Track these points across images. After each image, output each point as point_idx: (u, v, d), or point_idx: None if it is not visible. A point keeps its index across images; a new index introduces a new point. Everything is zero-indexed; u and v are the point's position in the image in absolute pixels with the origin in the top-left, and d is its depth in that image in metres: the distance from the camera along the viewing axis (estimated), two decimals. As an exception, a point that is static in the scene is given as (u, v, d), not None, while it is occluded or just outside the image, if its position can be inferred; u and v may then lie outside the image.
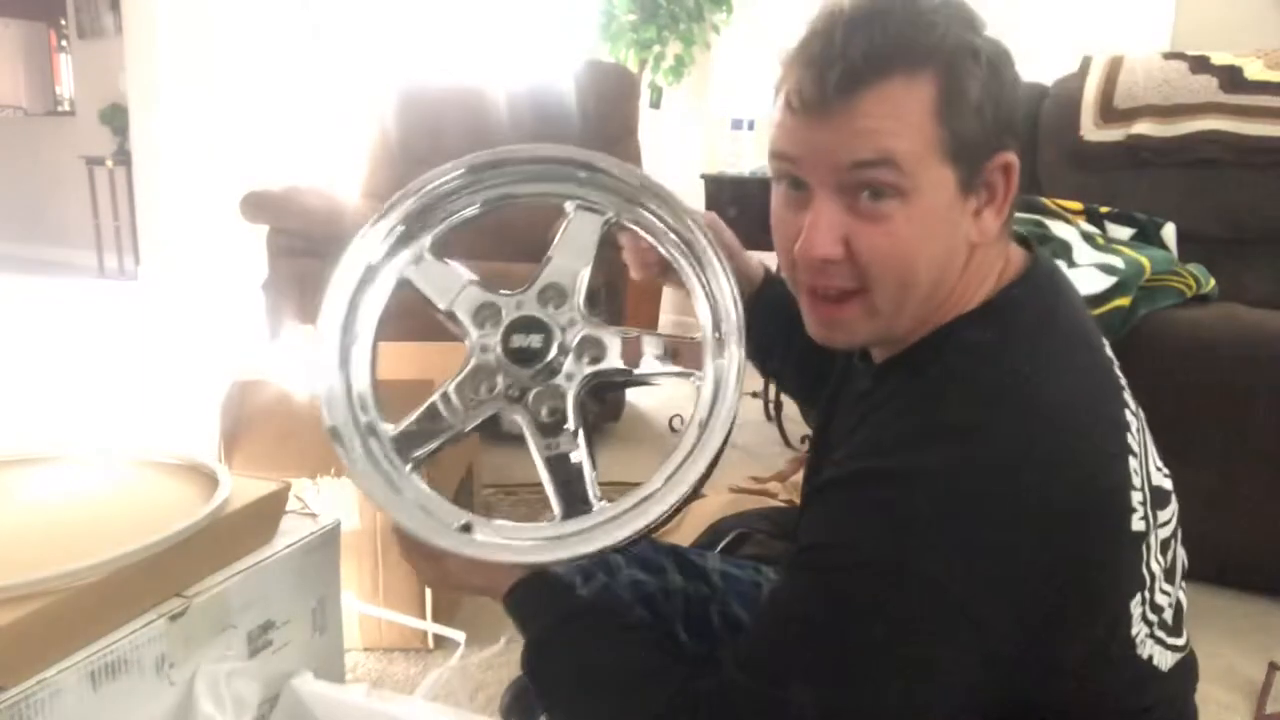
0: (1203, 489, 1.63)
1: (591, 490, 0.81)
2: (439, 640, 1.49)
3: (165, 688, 0.90)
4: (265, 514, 1.05)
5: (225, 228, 3.70)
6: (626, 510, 0.77)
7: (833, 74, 0.64)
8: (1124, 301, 1.71)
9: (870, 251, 0.67)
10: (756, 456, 2.50)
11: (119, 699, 0.85)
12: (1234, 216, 2.14)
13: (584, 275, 0.86)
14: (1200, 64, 2.22)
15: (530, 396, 0.83)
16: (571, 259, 0.87)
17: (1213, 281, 1.89)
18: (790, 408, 2.55)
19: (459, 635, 1.34)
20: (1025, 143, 2.43)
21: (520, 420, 0.83)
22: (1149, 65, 2.28)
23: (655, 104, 3.78)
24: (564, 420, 0.82)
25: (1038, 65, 2.62)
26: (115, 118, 5.44)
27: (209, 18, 4.54)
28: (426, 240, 0.93)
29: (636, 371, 0.84)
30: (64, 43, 6.31)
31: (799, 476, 1.15)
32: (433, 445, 0.85)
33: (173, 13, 4.53)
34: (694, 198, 2.72)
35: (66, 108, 6.44)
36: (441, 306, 0.89)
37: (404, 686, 1.41)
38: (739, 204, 2.53)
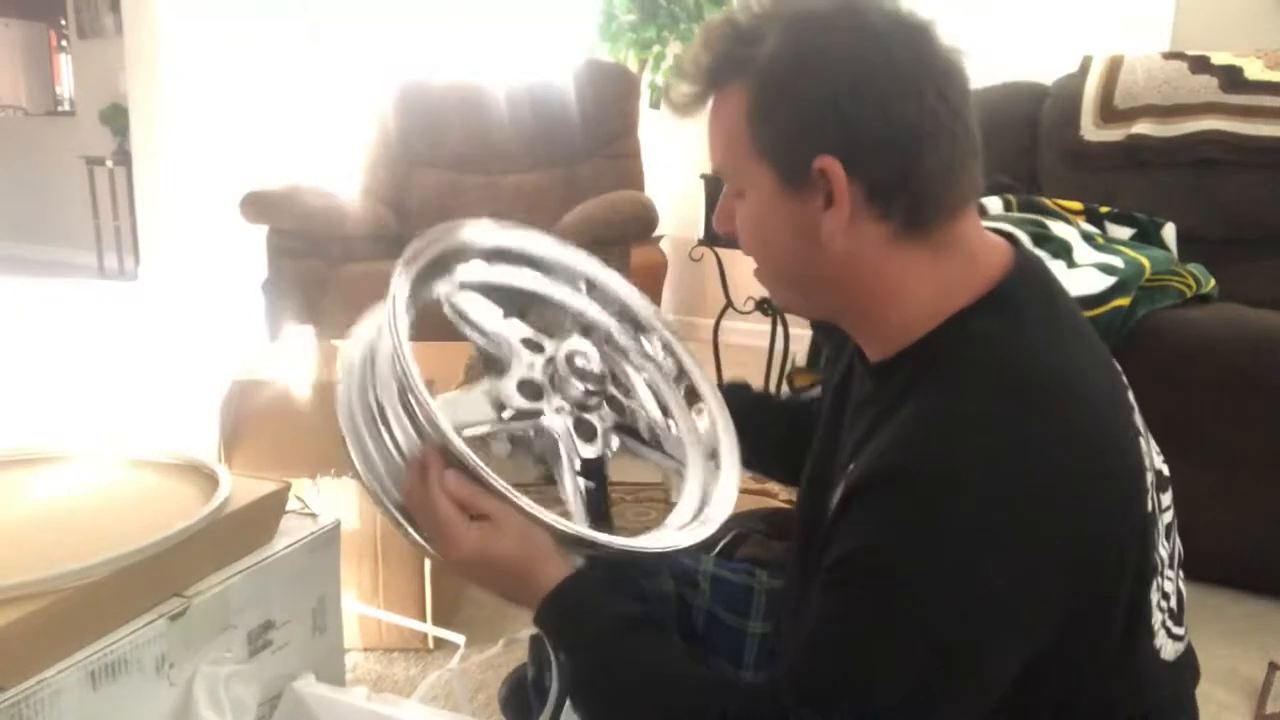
0: (1203, 489, 1.63)
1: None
2: (439, 641, 1.49)
3: (165, 688, 0.90)
4: (265, 514, 1.05)
5: (225, 228, 3.70)
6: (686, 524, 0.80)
7: (700, 81, 0.73)
8: (1124, 301, 1.71)
9: (737, 232, 0.76)
10: (756, 456, 2.49)
11: (119, 699, 0.85)
12: (1234, 216, 2.14)
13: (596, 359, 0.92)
14: (1200, 64, 2.22)
15: (573, 422, 0.83)
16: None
17: (1213, 281, 1.89)
18: (790, 408, 2.55)
19: (459, 637, 1.34)
20: (1025, 143, 2.45)
21: (561, 438, 0.82)
22: (1149, 65, 2.28)
23: (655, 104, 3.78)
24: (598, 456, 0.83)
25: (1038, 65, 2.63)
26: (115, 118, 5.44)
27: (209, 18, 4.54)
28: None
29: (646, 434, 0.90)
30: (64, 43, 6.31)
31: (789, 395, 1.14)
32: (472, 426, 0.79)
33: (173, 13, 4.53)
34: (694, 197, 2.73)
35: (66, 108, 6.45)
36: (487, 326, 0.87)
37: (404, 687, 1.41)
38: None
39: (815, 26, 0.68)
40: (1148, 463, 0.71)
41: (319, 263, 2.51)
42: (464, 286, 0.88)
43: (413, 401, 0.73)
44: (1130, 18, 2.94)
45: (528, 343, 0.86)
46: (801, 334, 2.60)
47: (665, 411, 0.95)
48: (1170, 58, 2.28)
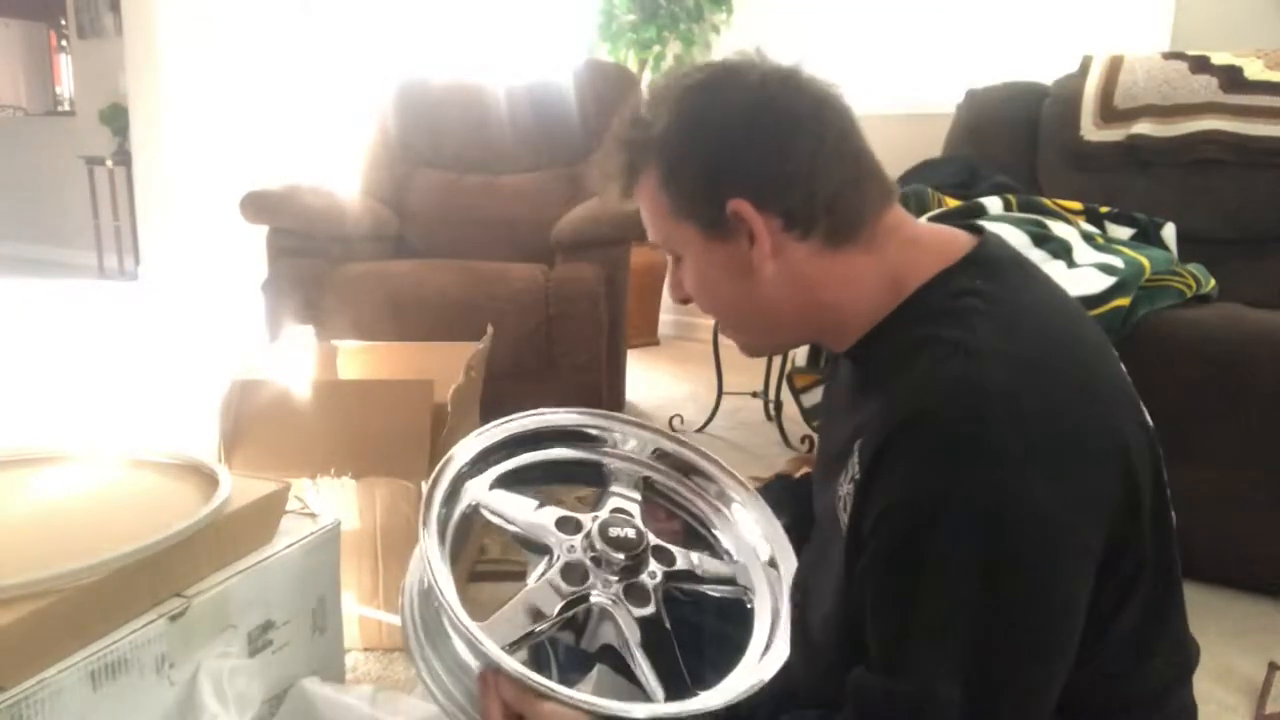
0: (1202, 489, 1.63)
1: (684, 674, 0.83)
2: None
3: (165, 688, 0.90)
4: (265, 514, 1.06)
5: (225, 228, 3.70)
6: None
7: (621, 180, 0.82)
8: (1124, 301, 1.71)
9: (692, 297, 0.83)
10: (756, 457, 2.50)
11: (119, 699, 0.86)
12: (1234, 216, 2.14)
13: (637, 514, 0.96)
14: (1200, 64, 2.22)
15: (622, 590, 0.87)
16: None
17: (1213, 281, 1.89)
18: (790, 408, 2.55)
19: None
20: (1025, 143, 2.45)
21: (615, 610, 0.85)
22: (1149, 65, 2.28)
23: (655, 104, 3.78)
24: (656, 618, 0.86)
25: (1038, 65, 2.63)
26: (115, 118, 5.44)
27: (209, 18, 4.54)
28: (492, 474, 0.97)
29: (701, 573, 0.93)
30: (64, 43, 6.32)
31: (798, 476, 1.15)
32: (528, 630, 0.84)
33: (173, 13, 4.53)
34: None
35: (66, 108, 6.45)
36: (522, 518, 0.92)
37: (404, 687, 1.41)
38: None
39: (697, 94, 0.77)
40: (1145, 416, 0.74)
41: (319, 262, 2.51)
42: (494, 485, 0.95)
43: (463, 634, 0.79)
44: (1130, 18, 2.94)
45: (563, 523, 0.91)
46: (801, 334, 2.59)
47: (714, 539, 0.99)
48: (1170, 58, 2.28)
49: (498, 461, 0.97)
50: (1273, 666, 1.48)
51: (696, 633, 0.94)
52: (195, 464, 1.08)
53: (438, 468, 0.91)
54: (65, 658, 0.81)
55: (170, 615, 0.90)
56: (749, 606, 0.91)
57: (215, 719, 0.91)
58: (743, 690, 0.79)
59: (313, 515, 1.14)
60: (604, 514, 0.92)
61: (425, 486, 0.88)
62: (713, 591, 0.94)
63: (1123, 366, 0.76)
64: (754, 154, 0.74)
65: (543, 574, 0.87)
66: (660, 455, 1.04)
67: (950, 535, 0.63)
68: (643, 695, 0.81)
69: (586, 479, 1.01)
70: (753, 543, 0.98)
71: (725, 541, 0.98)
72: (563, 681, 0.79)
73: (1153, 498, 0.69)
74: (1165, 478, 0.73)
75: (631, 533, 0.90)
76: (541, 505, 0.93)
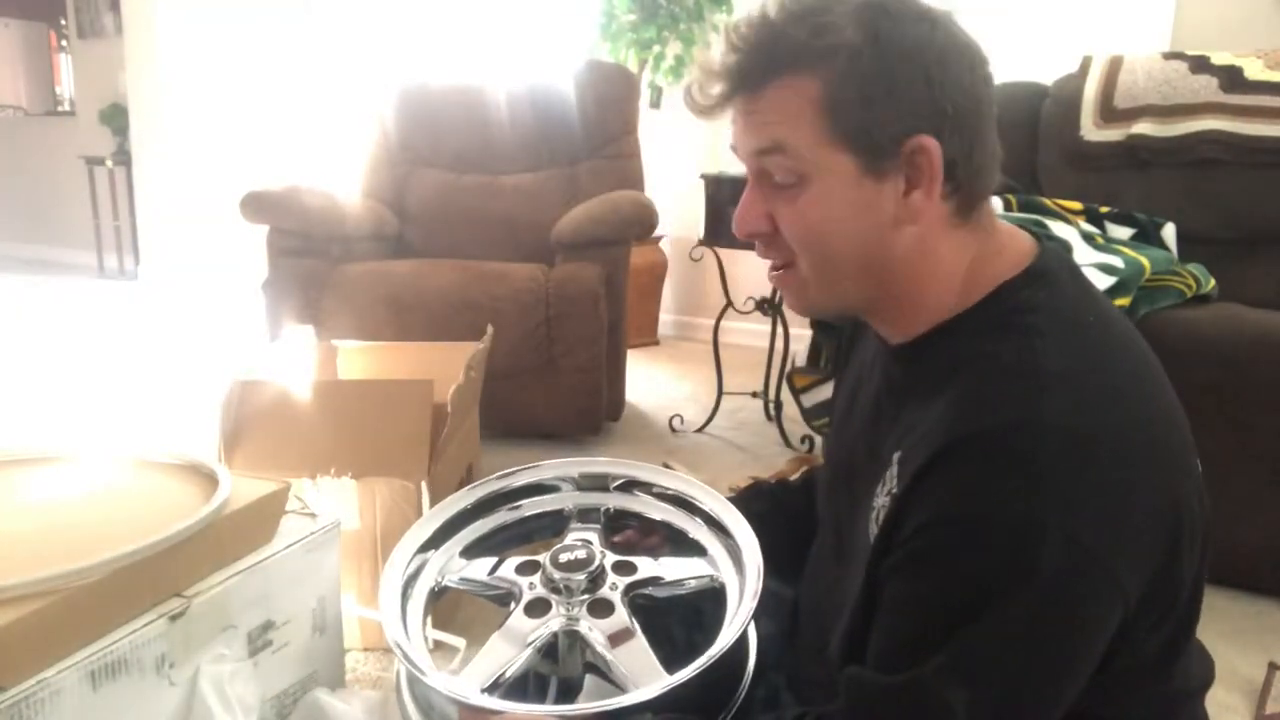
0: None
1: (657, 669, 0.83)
2: (438, 643, 1.49)
3: (165, 688, 0.90)
4: (265, 514, 1.06)
5: (225, 228, 3.70)
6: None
7: (734, 78, 0.71)
8: (1124, 301, 1.71)
9: (786, 227, 0.73)
10: (756, 457, 2.50)
11: (119, 699, 0.86)
12: (1234, 216, 2.14)
13: (596, 541, 0.96)
14: (1200, 64, 2.22)
15: (585, 609, 0.87)
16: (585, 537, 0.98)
17: (1213, 281, 1.89)
18: (790, 408, 2.55)
19: (459, 640, 1.34)
20: (1025, 143, 2.44)
21: (582, 626, 0.86)
22: (1149, 65, 2.28)
23: (655, 104, 3.79)
24: (621, 622, 0.86)
25: (1038, 65, 2.63)
26: (115, 118, 5.44)
27: (209, 17, 4.55)
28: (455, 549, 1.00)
29: (667, 578, 0.92)
30: (64, 43, 6.31)
31: (798, 476, 1.15)
32: (500, 672, 0.84)
33: (173, 13, 4.53)
34: (694, 197, 2.73)
35: (66, 108, 6.44)
36: (484, 577, 0.94)
37: (404, 686, 1.41)
38: (739, 202, 2.53)
39: (880, 13, 0.68)
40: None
41: (319, 262, 2.51)
42: (463, 553, 0.98)
43: (429, 686, 0.80)
44: (1130, 18, 2.94)
45: (523, 568, 0.93)
46: (801, 334, 2.60)
47: (684, 536, 0.99)
48: (1170, 58, 2.28)
49: (455, 534, 0.99)
50: (1273, 666, 1.48)
51: (699, 617, 0.94)
52: (195, 464, 1.08)
53: (393, 552, 0.93)
54: (65, 658, 0.82)
55: (170, 615, 0.90)
56: (716, 587, 0.92)
57: (218, 722, 0.91)
58: (682, 677, 0.79)
59: (313, 515, 1.15)
60: (556, 546, 0.93)
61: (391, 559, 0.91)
62: (688, 585, 0.93)
63: (1173, 391, 0.73)
64: (945, 89, 0.68)
65: (510, 614, 0.88)
66: (608, 484, 1.04)
67: (984, 557, 0.62)
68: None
69: (550, 530, 1.03)
70: (707, 525, 0.98)
71: (693, 533, 0.99)
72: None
73: (1195, 553, 0.68)
74: (1209, 531, 0.71)
75: (583, 553, 0.90)
76: (501, 560, 0.95)
